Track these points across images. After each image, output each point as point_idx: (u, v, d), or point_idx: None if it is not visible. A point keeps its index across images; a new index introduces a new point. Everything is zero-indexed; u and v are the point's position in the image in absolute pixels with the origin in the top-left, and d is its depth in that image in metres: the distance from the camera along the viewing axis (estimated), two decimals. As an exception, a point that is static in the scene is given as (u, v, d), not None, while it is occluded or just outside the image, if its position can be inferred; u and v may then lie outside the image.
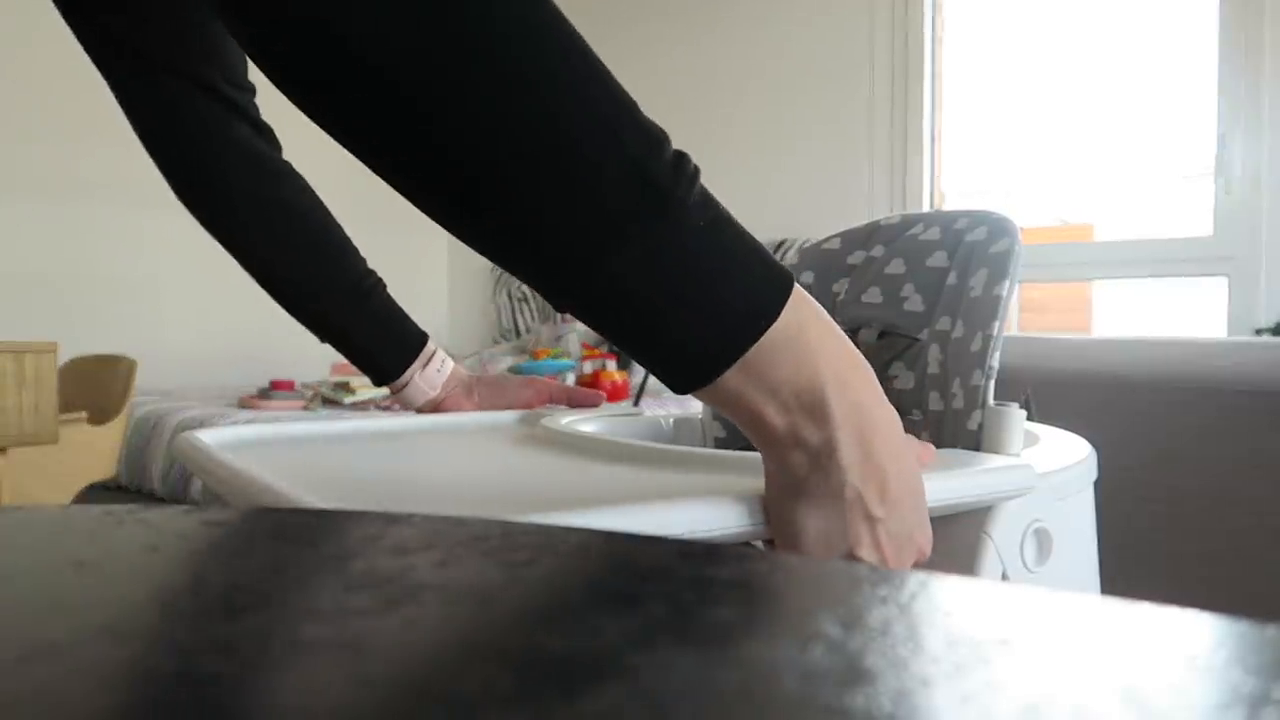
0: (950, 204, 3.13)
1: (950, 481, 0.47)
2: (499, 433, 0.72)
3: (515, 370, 2.86)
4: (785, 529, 0.42)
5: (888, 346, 0.66)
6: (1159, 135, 2.82)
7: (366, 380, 2.53)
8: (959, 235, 0.65)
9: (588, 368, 2.85)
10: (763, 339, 0.39)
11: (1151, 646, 0.16)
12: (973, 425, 0.58)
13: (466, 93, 0.36)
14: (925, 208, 3.03)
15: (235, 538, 0.24)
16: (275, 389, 2.59)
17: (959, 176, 3.13)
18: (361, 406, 2.47)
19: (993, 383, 0.58)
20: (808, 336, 0.40)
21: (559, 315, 3.80)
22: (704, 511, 0.40)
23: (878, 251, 0.70)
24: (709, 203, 0.40)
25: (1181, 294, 2.92)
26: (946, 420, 0.62)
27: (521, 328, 3.96)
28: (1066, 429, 0.66)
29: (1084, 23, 2.90)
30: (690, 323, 0.39)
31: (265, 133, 0.84)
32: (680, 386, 0.41)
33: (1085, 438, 0.64)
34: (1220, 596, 1.13)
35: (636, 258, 0.38)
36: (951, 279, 0.64)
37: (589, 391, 0.88)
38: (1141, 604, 0.18)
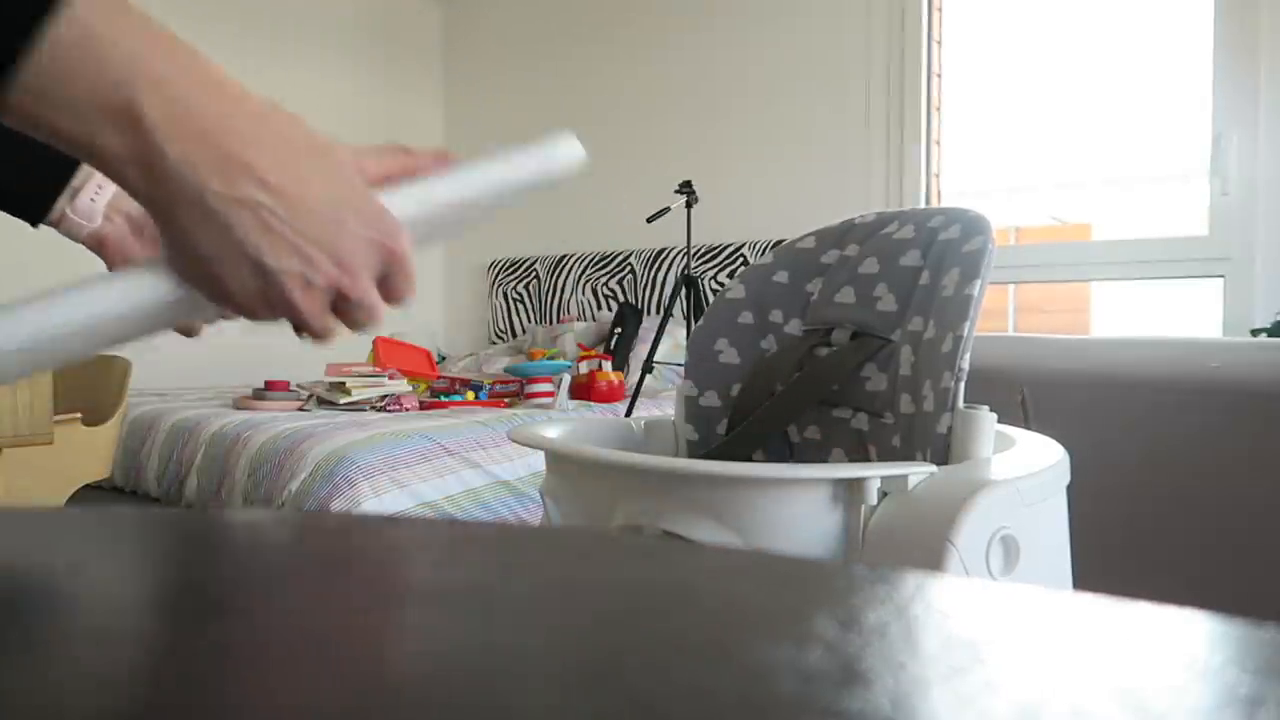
0: (947, 204, 3.13)
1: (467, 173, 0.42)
2: None
3: (510, 371, 2.86)
4: (193, 272, 0.37)
5: (861, 348, 0.65)
6: (1156, 136, 2.82)
7: (361, 381, 2.53)
8: (933, 233, 0.64)
9: (583, 368, 2.85)
10: (37, 52, 0.35)
11: (1149, 646, 0.16)
12: (942, 428, 0.57)
13: None
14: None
15: (229, 539, 0.24)
16: (270, 389, 2.59)
17: (957, 177, 3.14)
18: (357, 407, 2.47)
19: (963, 385, 0.57)
20: (101, 39, 0.36)
21: (556, 316, 3.79)
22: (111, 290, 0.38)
23: (851, 250, 0.69)
24: None
25: (1178, 294, 2.93)
26: (917, 423, 0.61)
27: (518, 328, 3.96)
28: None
29: (1081, 24, 2.90)
30: None
31: None
32: None
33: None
34: (1219, 597, 1.13)
35: None
36: (924, 278, 0.63)
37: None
38: (1139, 604, 0.18)
